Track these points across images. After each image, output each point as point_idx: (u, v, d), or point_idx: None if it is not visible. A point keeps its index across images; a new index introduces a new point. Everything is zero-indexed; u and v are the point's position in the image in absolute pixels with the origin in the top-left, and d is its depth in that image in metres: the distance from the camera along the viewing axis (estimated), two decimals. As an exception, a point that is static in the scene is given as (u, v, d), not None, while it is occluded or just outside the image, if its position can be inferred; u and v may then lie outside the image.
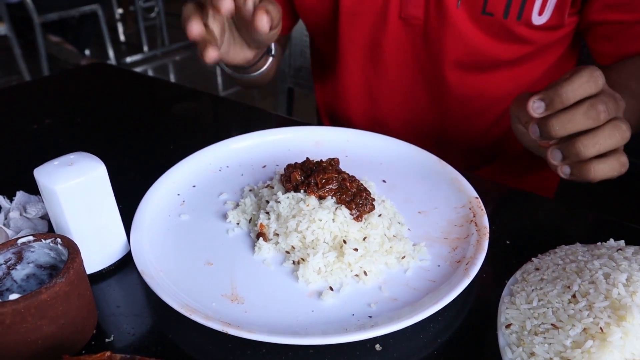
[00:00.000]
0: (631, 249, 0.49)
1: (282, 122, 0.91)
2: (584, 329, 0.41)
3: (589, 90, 0.54)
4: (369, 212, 0.60)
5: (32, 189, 0.58)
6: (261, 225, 0.60)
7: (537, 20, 0.81)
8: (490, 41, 0.84)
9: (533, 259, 0.53)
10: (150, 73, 4.34)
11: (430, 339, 0.48)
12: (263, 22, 0.60)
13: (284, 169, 0.65)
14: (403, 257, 0.56)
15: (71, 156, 0.52)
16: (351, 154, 0.78)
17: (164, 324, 0.50)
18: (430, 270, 0.55)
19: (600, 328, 0.40)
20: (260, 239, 0.58)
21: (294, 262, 0.56)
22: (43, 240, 0.47)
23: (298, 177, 0.62)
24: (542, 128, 0.56)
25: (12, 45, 3.30)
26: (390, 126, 0.99)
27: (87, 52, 4.26)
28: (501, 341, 0.44)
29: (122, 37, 4.91)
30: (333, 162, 0.64)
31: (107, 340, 0.48)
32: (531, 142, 0.66)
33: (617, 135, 0.55)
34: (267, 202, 0.63)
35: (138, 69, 4.23)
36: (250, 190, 0.68)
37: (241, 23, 0.66)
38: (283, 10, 0.99)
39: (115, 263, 0.57)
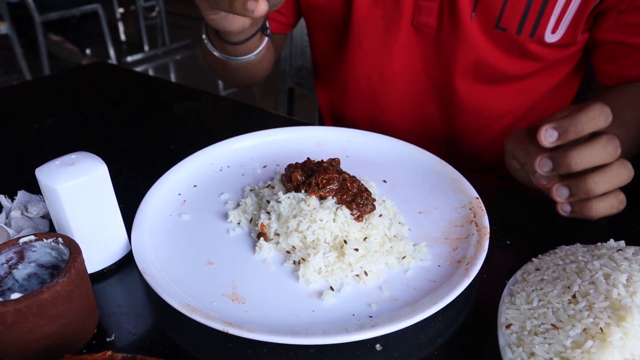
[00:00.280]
0: (631, 250, 0.49)
1: (282, 122, 0.91)
2: (584, 330, 0.41)
3: (601, 124, 0.54)
4: (369, 212, 0.60)
5: (34, 188, 0.58)
6: (262, 225, 0.60)
7: (550, 38, 0.81)
8: (501, 55, 0.84)
9: (533, 259, 0.53)
10: (151, 72, 4.34)
11: (430, 339, 0.48)
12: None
13: (285, 169, 0.65)
14: (403, 257, 0.56)
15: (73, 156, 0.52)
16: (352, 154, 0.78)
17: (164, 323, 0.50)
18: (430, 270, 0.55)
19: (600, 328, 0.40)
20: (261, 238, 0.59)
21: (294, 262, 0.56)
22: (44, 240, 0.47)
23: (299, 177, 0.62)
24: (557, 160, 0.55)
25: (13, 44, 3.30)
26: (396, 133, 0.99)
27: (88, 51, 4.27)
28: (501, 341, 0.44)
29: (122, 37, 4.91)
30: (334, 162, 0.64)
31: (108, 339, 0.48)
32: (525, 178, 0.66)
33: (624, 173, 0.55)
34: (268, 202, 0.63)
35: (139, 68, 4.24)
36: (251, 190, 0.68)
37: None
38: (286, 8, 0.99)
39: (116, 262, 0.57)
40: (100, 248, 0.55)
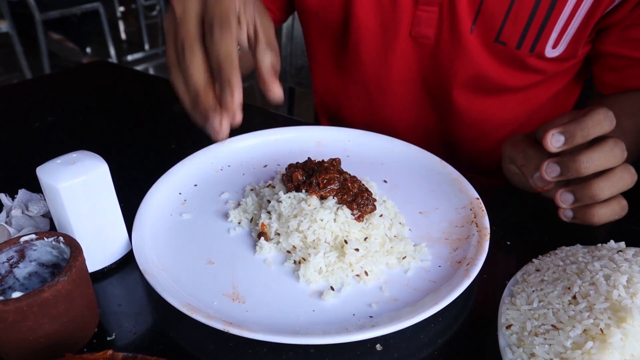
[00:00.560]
0: (632, 251, 0.49)
1: (283, 122, 0.91)
2: (584, 330, 0.41)
3: (606, 128, 0.54)
4: (370, 212, 0.60)
5: (34, 187, 0.58)
6: (262, 224, 0.60)
7: (551, 53, 0.80)
8: (501, 68, 0.83)
9: (533, 260, 0.53)
10: (151, 71, 4.34)
11: (430, 339, 0.48)
12: (277, 93, 0.60)
13: (286, 169, 0.66)
14: (404, 258, 0.56)
15: (74, 155, 0.52)
16: (352, 154, 0.78)
17: (165, 322, 0.50)
18: (430, 270, 0.55)
19: (601, 329, 0.40)
20: (262, 238, 0.59)
21: (295, 262, 0.56)
22: (45, 239, 0.48)
23: (300, 177, 0.62)
24: (566, 165, 0.55)
25: (13, 43, 3.31)
26: None
27: (88, 50, 4.27)
28: (501, 342, 0.44)
29: (123, 35, 4.91)
30: (335, 162, 0.64)
31: (108, 338, 0.48)
32: (523, 183, 0.66)
33: (628, 178, 0.55)
34: (269, 201, 0.63)
35: (139, 67, 4.23)
36: (251, 190, 0.68)
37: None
38: (274, 3, 0.97)
39: (116, 261, 0.57)
40: (100, 247, 0.55)
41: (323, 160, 0.65)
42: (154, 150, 0.84)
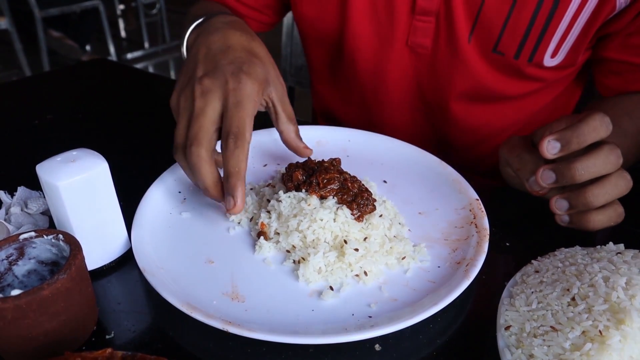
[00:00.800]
0: (630, 253, 0.49)
1: (283, 121, 0.90)
2: (583, 332, 0.41)
3: (602, 134, 0.54)
4: (370, 212, 0.60)
5: (33, 184, 0.58)
6: (262, 224, 0.60)
7: (549, 62, 0.79)
8: (499, 77, 0.83)
9: (533, 261, 0.53)
10: (151, 69, 4.34)
11: (429, 340, 0.48)
12: (307, 152, 0.67)
13: (286, 168, 0.66)
14: (403, 258, 0.56)
15: (74, 152, 0.52)
16: (352, 154, 0.78)
17: (164, 321, 0.50)
18: (430, 271, 0.56)
19: (599, 331, 0.40)
20: (261, 237, 0.59)
21: (294, 262, 0.56)
22: (45, 236, 0.47)
23: (300, 177, 0.62)
24: (561, 172, 0.55)
25: (12, 40, 3.30)
26: None
27: (88, 47, 4.26)
28: (500, 343, 0.44)
29: (123, 33, 4.91)
30: (335, 162, 0.65)
31: (107, 337, 0.48)
32: (519, 185, 0.66)
33: (623, 185, 0.55)
34: (269, 201, 0.63)
35: (139, 65, 4.23)
36: (251, 189, 0.68)
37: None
38: (268, 7, 0.97)
39: (116, 260, 0.57)
40: (100, 245, 0.55)
41: (323, 160, 0.65)
42: (153, 148, 0.84)
